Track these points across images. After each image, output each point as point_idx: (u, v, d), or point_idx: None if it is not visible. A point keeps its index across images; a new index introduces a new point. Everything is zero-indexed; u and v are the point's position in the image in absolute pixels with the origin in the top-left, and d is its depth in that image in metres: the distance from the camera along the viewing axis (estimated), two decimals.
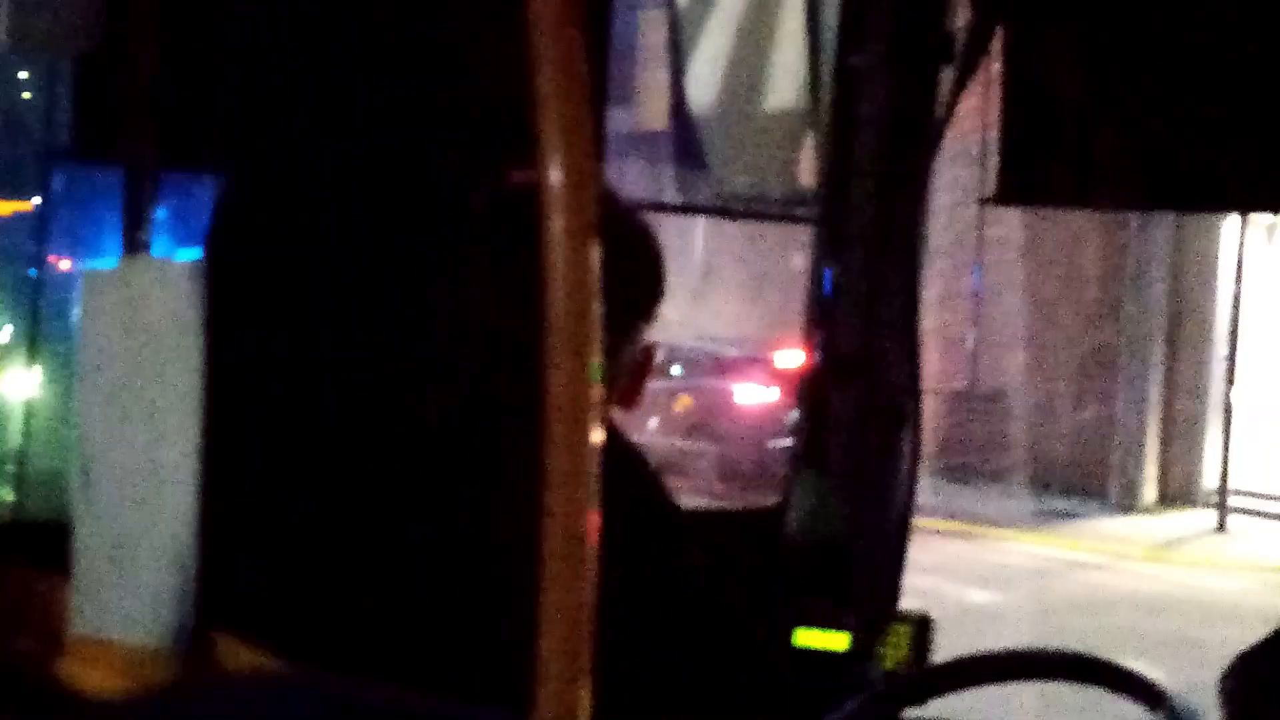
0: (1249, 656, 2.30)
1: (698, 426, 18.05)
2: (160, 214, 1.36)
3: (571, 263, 1.02)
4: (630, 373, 1.78)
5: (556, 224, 1.01)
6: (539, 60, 1.03)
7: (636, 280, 1.76)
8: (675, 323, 20.24)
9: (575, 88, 1.02)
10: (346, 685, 1.17)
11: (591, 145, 1.04)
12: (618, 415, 1.74)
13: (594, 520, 1.02)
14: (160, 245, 1.43)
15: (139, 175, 1.42)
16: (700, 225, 18.74)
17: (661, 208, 2.93)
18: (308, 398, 1.25)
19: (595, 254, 1.03)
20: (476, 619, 1.11)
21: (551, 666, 1.01)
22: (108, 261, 1.48)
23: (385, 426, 1.23)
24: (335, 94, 1.20)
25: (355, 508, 1.22)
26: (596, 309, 1.03)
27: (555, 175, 1.01)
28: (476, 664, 1.09)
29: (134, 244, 1.40)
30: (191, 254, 1.25)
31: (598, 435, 1.02)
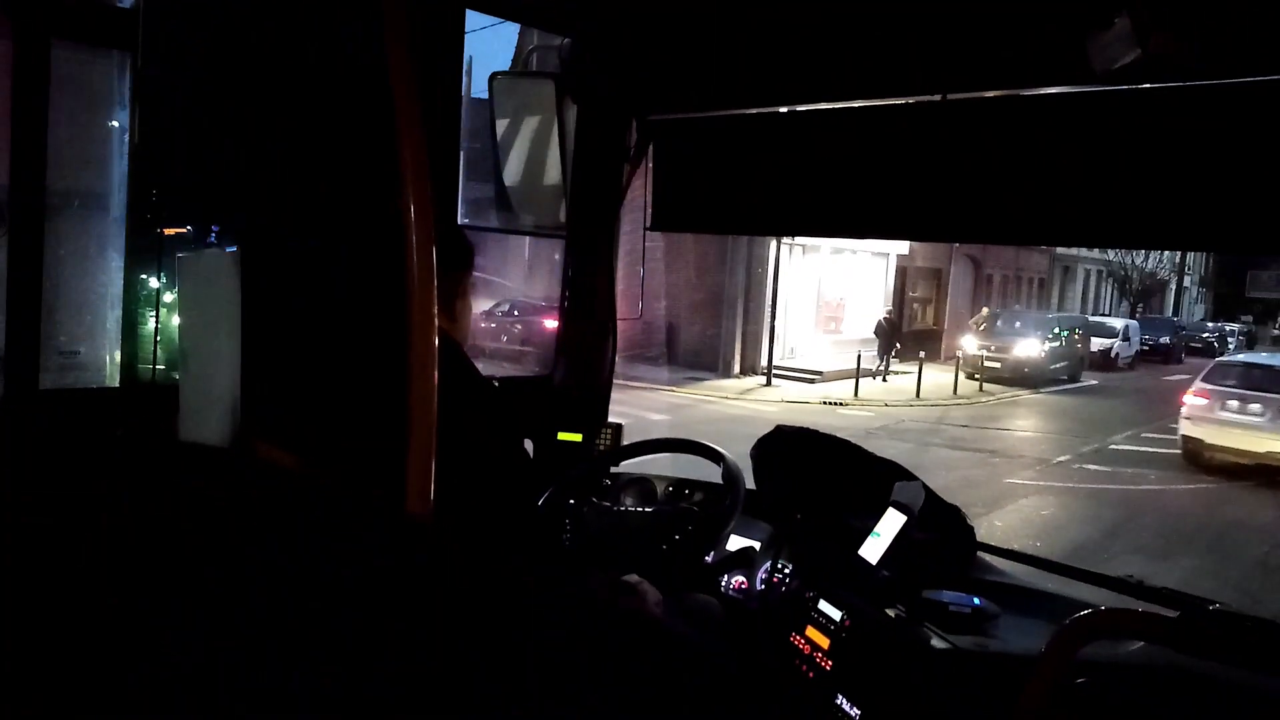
0: (763, 439, 2.39)
1: (524, 340, 18.01)
2: (214, 233, 1.30)
3: (421, 254, 1.00)
4: (460, 300, 1.76)
5: (412, 236, 0.99)
6: (404, 156, 1.00)
7: (461, 258, 1.75)
8: (517, 290, 20.15)
9: (421, 169, 1.00)
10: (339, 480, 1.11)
11: (429, 202, 1.01)
12: (454, 330, 1.70)
13: (434, 379, 1.01)
14: (217, 246, 1.35)
15: (206, 225, 1.35)
16: (525, 242, 18.32)
17: (492, 230, 2.85)
18: (300, 320, 1.20)
19: (432, 250, 1.01)
20: (382, 429, 1.08)
21: (415, 456, 0.99)
22: (196, 252, 1.40)
23: (343, 332, 1.17)
24: (302, 174, 1.15)
25: (321, 373, 1.17)
26: (434, 277, 1.01)
27: (412, 212, 1.00)
28: (381, 453, 1.06)
29: (206, 245, 1.33)
30: (231, 249, 1.20)
31: (436, 338, 1.02)
